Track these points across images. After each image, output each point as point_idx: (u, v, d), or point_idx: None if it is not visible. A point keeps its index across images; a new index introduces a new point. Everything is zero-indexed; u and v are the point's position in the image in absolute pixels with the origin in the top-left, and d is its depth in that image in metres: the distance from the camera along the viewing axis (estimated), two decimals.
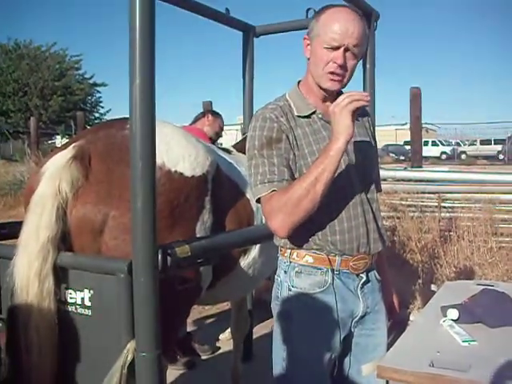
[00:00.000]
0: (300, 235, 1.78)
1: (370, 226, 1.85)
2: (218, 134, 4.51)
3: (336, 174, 1.71)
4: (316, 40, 1.80)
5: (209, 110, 4.52)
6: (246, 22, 4.09)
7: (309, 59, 1.87)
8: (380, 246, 1.90)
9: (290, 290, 1.84)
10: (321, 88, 1.85)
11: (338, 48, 1.75)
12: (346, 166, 1.81)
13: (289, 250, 1.85)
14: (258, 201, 1.79)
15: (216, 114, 4.53)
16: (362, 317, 1.89)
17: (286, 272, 1.86)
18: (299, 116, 1.85)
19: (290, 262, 1.85)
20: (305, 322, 1.82)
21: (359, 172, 1.86)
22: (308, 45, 1.86)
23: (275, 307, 1.91)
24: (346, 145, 1.67)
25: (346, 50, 1.76)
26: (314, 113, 1.86)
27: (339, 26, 1.75)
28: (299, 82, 1.95)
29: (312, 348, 1.82)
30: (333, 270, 1.81)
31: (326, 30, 1.76)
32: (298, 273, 1.83)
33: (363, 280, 1.88)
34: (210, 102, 11.40)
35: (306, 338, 1.82)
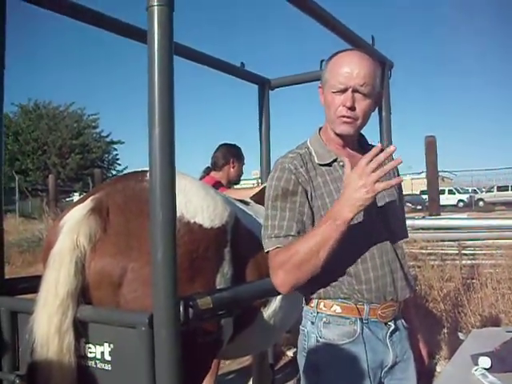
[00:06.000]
0: (326, 284, 1.75)
1: (397, 274, 1.82)
2: (240, 176, 4.39)
3: (361, 223, 1.69)
4: (326, 86, 1.83)
5: (232, 154, 4.26)
6: (261, 76, 4.18)
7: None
8: (407, 293, 1.85)
9: (318, 341, 1.79)
10: (336, 134, 1.85)
11: (345, 90, 1.76)
12: (371, 214, 1.76)
13: (315, 300, 1.81)
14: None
15: (240, 157, 4.30)
16: (392, 366, 1.83)
17: (313, 323, 1.81)
18: (320, 164, 1.83)
19: (318, 313, 1.80)
20: (335, 374, 1.76)
21: (384, 220, 1.83)
22: (322, 93, 1.88)
23: (302, 359, 1.86)
24: (355, 215, 1.63)
25: (354, 91, 1.76)
26: (335, 160, 1.84)
27: (344, 68, 1.77)
28: (320, 129, 1.94)
29: None
30: (361, 319, 1.77)
31: (333, 75, 1.79)
32: (326, 323, 1.78)
33: (391, 328, 1.83)
34: None
35: None
